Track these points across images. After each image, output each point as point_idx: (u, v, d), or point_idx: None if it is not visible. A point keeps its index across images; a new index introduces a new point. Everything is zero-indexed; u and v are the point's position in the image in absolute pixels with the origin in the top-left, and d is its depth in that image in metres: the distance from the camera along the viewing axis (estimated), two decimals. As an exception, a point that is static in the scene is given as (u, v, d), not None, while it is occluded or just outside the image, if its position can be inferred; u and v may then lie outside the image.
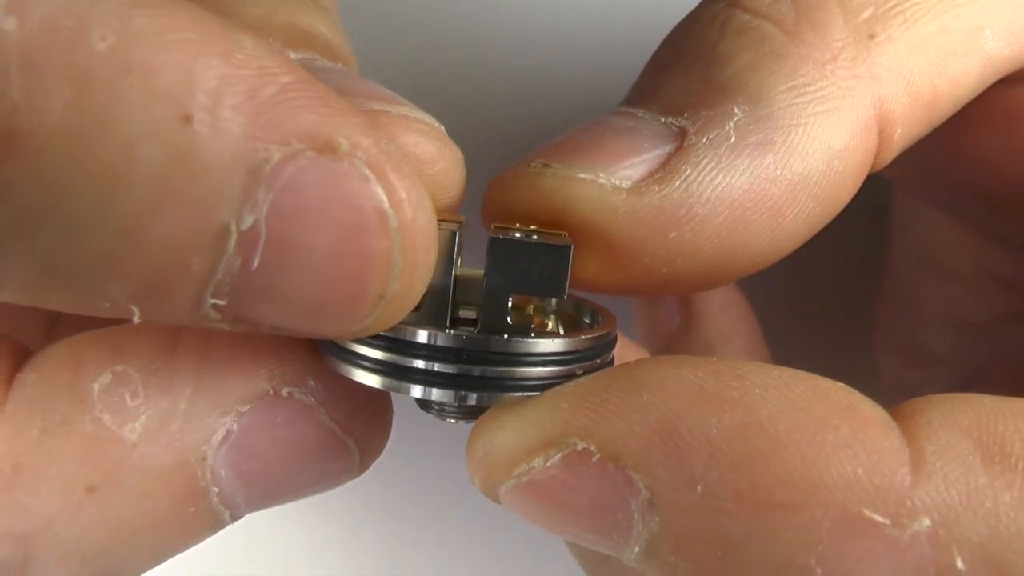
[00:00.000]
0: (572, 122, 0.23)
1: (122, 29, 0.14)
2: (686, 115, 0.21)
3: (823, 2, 0.22)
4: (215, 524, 0.20)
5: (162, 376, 0.19)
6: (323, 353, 0.20)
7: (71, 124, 0.14)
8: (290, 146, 0.15)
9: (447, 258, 0.20)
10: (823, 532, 0.17)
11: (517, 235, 0.20)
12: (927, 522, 0.17)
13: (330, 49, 0.22)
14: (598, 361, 0.20)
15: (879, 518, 0.17)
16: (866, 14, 0.22)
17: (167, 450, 0.19)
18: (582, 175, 0.21)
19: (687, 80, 0.22)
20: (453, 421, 0.22)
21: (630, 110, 0.22)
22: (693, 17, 0.23)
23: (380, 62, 0.31)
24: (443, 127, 0.21)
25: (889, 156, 0.23)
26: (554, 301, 0.22)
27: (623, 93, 0.24)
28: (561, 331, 0.22)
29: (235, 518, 0.21)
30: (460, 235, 0.20)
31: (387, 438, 0.22)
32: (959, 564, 0.17)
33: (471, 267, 0.22)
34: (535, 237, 0.20)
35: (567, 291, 0.20)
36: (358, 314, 0.17)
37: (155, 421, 0.19)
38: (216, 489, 0.20)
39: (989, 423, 0.18)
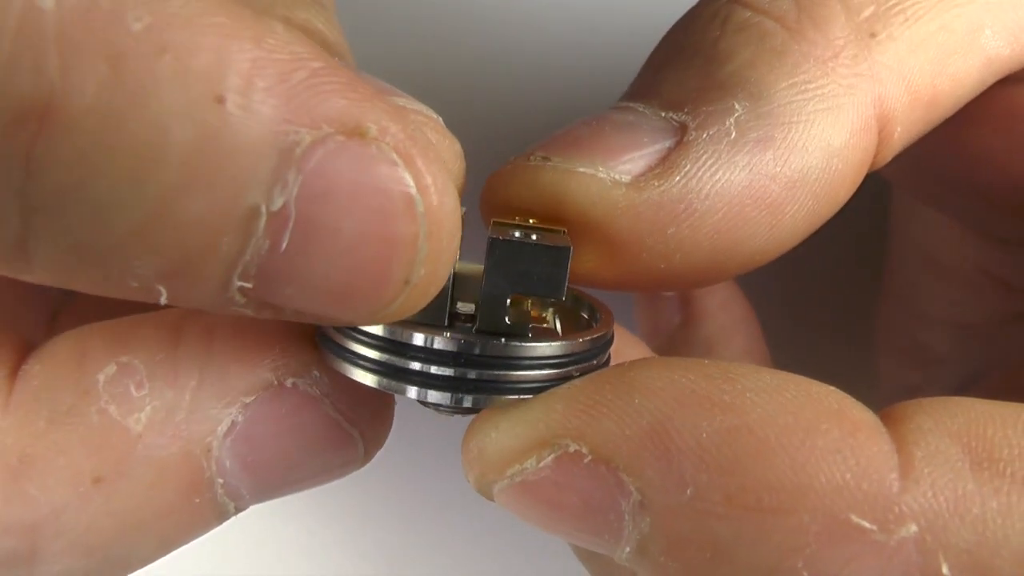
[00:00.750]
0: (571, 116, 0.23)
1: (158, 10, 0.15)
2: (686, 110, 0.21)
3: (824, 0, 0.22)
4: (220, 515, 0.20)
5: (167, 368, 0.19)
6: (321, 349, 0.20)
7: (106, 102, 0.14)
8: (320, 130, 0.16)
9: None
10: (811, 536, 0.17)
11: (517, 234, 0.20)
12: (914, 528, 0.17)
13: (327, 43, 0.22)
14: (594, 362, 0.21)
15: (866, 523, 0.17)
16: (867, 12, 0.22)
17: (173, 441, 0.19)
18: (582, 169, 0.21)
19: (687, 76, 0.22)
20: (450, 415, 0.22)
21: (630, 105, 0.22)
22: (694, 13, 0.23)
23: (377, 56, 0.31)
24: (441, 119, 0.21)
25: (889, 154, 0.23)
26: None
27: (623, 88, 0.24)
28: (559, 326, 0.22)
29: (240, 509, 0.21)
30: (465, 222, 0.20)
31: (390, 428, 0.22)
32: (945, 570, 0.17)
33: (469, 260, 0.22)
34: (534, 237, 0.20)
35: (565, 292, 0.20)
36: (383, 299, 0.17)
37: (160, 412, 0.19)
38: (221, 480, 0.20)
39: (979, 428, 0.18)
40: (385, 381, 0.20)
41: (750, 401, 0.18)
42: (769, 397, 0.18)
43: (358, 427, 0.21)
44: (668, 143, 0.21)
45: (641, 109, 0.22)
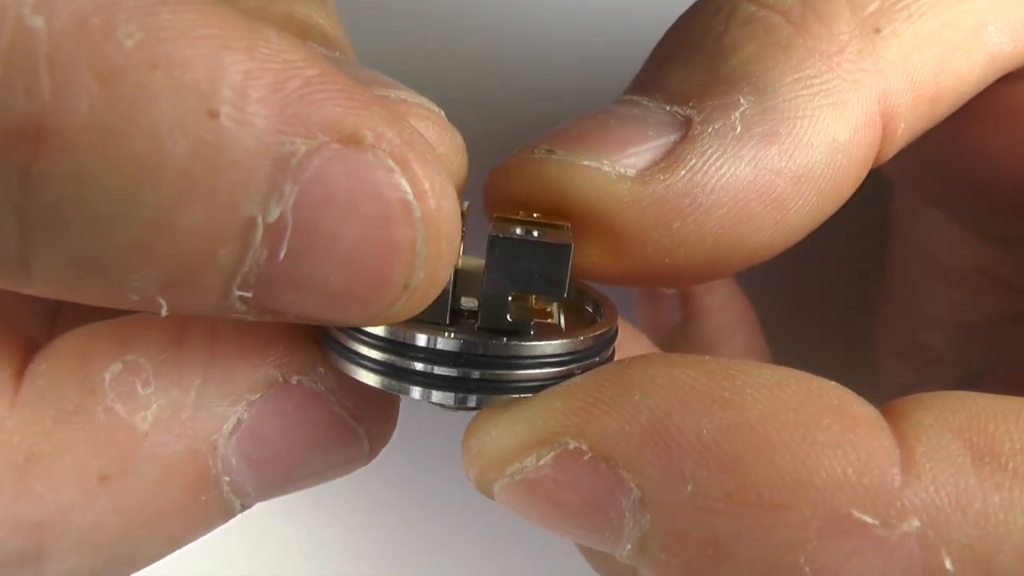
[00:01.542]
0: (575, 110, 0.23)
1: (148, 25, 0.15)
2: (691, 104, 0.21)
3: None
4: (226, 513, 0.20)
5: (172, 366, 0.19)
6: (325, 349, 0.20)
7: (99, 119, 0.14)
8: (316, 139, 0.16)
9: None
10: (812, 532, 0.17)
11: (518, 231, 0.20)
12: (916, 523, 0.17)
13: (327, 39, 0.22)
14: (597, 359, 0.20)
15: (868, 518, 0.17)
16: (872, 7, 0.22)
17: (179, 439, 0.19)
18: (586, 162, 0.21)
19: (692, 69, 0.22)
20: (454, 411, 0.22)
21: (635, 98, 0.22)
22: (698, 7, 0.23)
23: (379, 51, 0.31)
24: (443, 112, 0.21)
25: (892, 151, 0.23)
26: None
27: (626, 81, 0.24)
28: (562, 321, 0.22)
29: (245, 507, 0.21)
30: (461, 226, 0.20)
31: (395, 425, 0.22)
32: (948, 565, 0.17)
33: (472, 255, 0.22)
34: (536, 233, 0.20)
35: (566, 290, 0.20)
36: (383, 303, 0.17)
37: (166, 410, 0.19)
38: (227, 478, 0.20)
39: (980, 423, 0.18)
40: (388, 382, 0.20)
41: (750, 397, 0.18)
42: (770, 393, 0.18)
43: (363, 424, 0.21)
44: (673, 137, 0.21)
45: (646, 103, 0.22)
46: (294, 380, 0.20)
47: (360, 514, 0.36)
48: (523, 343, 0.19)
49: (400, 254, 0.17)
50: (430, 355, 0.19)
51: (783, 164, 0.21)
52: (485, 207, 0.23)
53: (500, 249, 0.20)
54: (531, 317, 0.20)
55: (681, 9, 0.24)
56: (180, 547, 0.21)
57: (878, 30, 0.21)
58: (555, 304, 0.22)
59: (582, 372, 0.20)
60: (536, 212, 0.21)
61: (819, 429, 0.17)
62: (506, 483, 0.19)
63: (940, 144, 0.26)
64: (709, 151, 0.20)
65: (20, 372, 0.19)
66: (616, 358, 0.21)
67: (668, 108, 0.21)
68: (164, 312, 0.16)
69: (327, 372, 0.20)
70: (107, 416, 0.19)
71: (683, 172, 0.20)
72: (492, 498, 0.20)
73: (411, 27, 0.34)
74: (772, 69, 0.21)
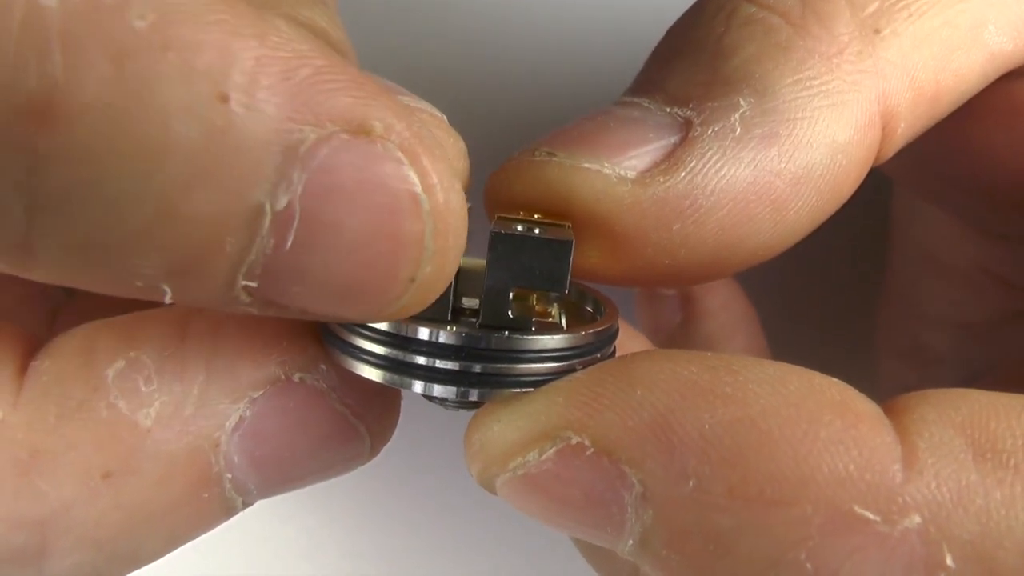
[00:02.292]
0: (574, 112, 0.23)
1: (161, 7, 0.15)
2: (691, 106, 0.21)
3: None
4: (228, 510, 0.20)
5: (174, 363, 0.19)
6: (326, 345, 0.20)
7: (109, 99, 0.14)
8: (325, 128, 0.16)
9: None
10: (813, 528, 0.17)
11: (519, 228, 0.20)
12: (918, 519, 0.17)
13: (331, 42, 0.22)
14: (598, 355, 0.21)
15: (869, 515, 0.17)
16: (871, 8, 0.22)
17: (181, 436, 0.19)
18: (587, 165, 0.21)
19: (692, 70, 0.22)
20: (455, 408, 0.22)
21: (635, 100, 0.22)
22: (698, 7, 0.23)
23: (380, 55, 0.31)
24: (445, 117, 0.21)
25: (891, 150, 0.23)
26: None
27: (626, 82, 0.24)
28: (563, 321, 0.22)
29: (247, 504, 0.21)
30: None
31: (396, 422, 0.22)
32: (949, 561, 0.17)
33: (473, 256, 0.21)
34: (537, 231, 0.20)
35: (568, 286, 0.20)
36: (389, 297, 0.17)
37: (169, 407, 0.19)
38: (229, 475, 0.20)
39: (982, 419, 0.18)
40: (390, 376, 0.20)
41: (752, 393, 0.18)
42: (772, 389, 0.18)
43: (364, 421, 0.21)
44: (673, 139, 0.21)
45: (646, 104, 0.22)
46: (296, 377, 0.20)
47: (360, 514, 0.36)
48: (525, 337, 0.19)
49: (407, 247, 0.16)
50: (432, 349, 0.19)
51: (783, 165, 0.21)
52: (486, 209, 0.23)
53: (502, 245, 0.20)
54: (531, 315, 0.20)
55: (680, 9, 0.24)
56: (181, 544, 0.21)
57: (877, 31, 0.21)
58: (555, 304, 0.22)
59: (583, 368, 0.20)
60: (537, 214, 0.21)
61: (821, 425, 0.17)
62: (508, 478, 0.19)
63: (941, 142, 0.26)
64: (709, 153, 0.20)
65: (23, 369, 0.19)
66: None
67: (668, 110, 0.21)
68: (168, 299, 0.16)
69: (329, 370, 0.20)
70: (110, 412, 0.19)
71: (683, 174, 0.20)
72: (494, 493, 0.20)
73: (411, 31, 0.34)
74: (772, 71, 0.21)
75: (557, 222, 0.21)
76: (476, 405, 0.21)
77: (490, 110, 0.33)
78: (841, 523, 0.17)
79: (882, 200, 0.34)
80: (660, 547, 0.18)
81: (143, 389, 0.19)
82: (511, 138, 0.24)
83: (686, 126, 0.21)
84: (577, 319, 0.23)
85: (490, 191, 0.22)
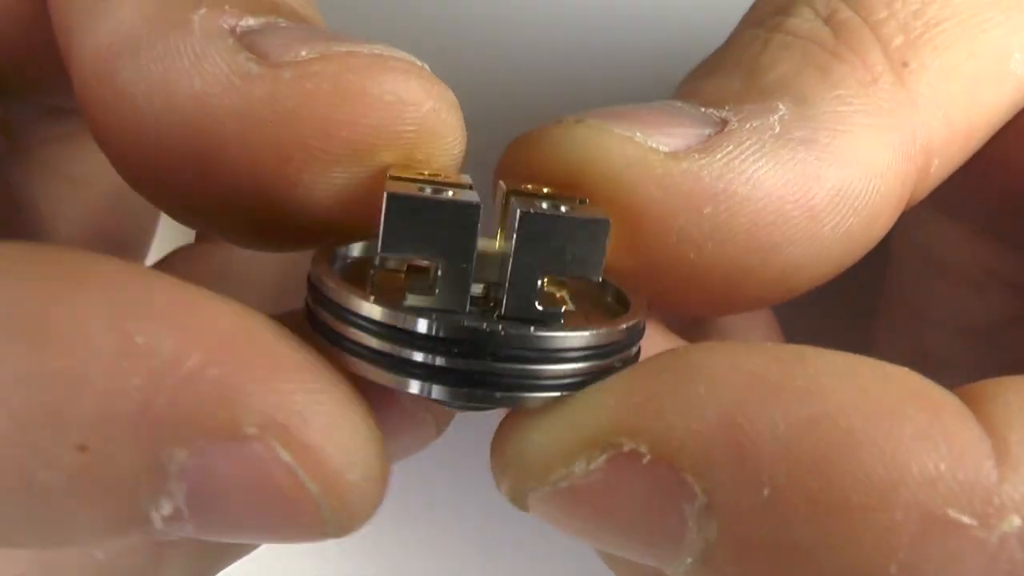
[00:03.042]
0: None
1: None
2: (727, 108, 0.20)
3: (858, 28, 0.21)
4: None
5: None
6: (314, 333, 0.18)
7: None
8: (192, 444, 0.15)
9: (467, 236, 0.18)
10: (905, 537, 0.15)
11: (544, 206, 0.18)
12: (1018, 521, 0.15)
13: (296, 15, 0.20)
14: (633, 351, 0.19)
15: (965, 519, 0.15)
16: (898, 41, 0.21)
17: None
18: (618, 131, 0.20)
19: (729, 80, 0.21)
20: (461, 409, 0.19)
21: (669, 101, 0.21)
22: (732, 38, 0.23)
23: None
24: (427, 65, 0.19)
25: (926, 189, 0.22)
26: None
27: (652, 85, 0.23)
28: (572, 307, 0.20)
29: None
30: (480, 208, 0.18)
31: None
32: None
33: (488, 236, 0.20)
34: (563, 208, 0.18)
35: (602, 272, 0.18)
36: (306, 537, 0.17)
37: None
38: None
39: None
40: (389, 375, 0.17)
41: (827, 386, 0.16)
42: (847, 381, 0.16)
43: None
44: (709, 131, 0.20)
45: (679, 104, 0.21)
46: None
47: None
48: (559, 334, 0.17)
49: (303, 522, 0.16)
50: (438, 344, 0.17)
51: (822, 172, 0.20)
52: (499, 175, 0.21)
53: (530, 226, 0.18)
54: (559, 306, 0.18)
55: (690, 11, 0.24)
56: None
57: (905, 64, 0.21)
58: (566, 292, 0.20)
59: (623, 366, 0.18)
60: (548, 187, 0.20)
61: (905, 419, 0.16)
62: (547, 492, 0.17)
63: None
64: (747, 143, 0.19)
65: None
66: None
67: (704, 110, 0.20)
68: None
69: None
70: None
71: (719, 155, 0.19)
72: (525, 509, 0.18)
73: (416, 32, 0.33)
74: (811, 84, 0.20)
75: (570, 196, 0.19)
76: (490, 406, 0.18)
77: (498, 100, 0.32)
78: (935, 529, 0.15)
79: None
80: (725, 564, 0.16)
81: None
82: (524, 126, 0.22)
83: (722, 123, 0.20)
84: (589, 307, 0.21)
85: (507, 158, 0.21)
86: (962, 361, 0.31)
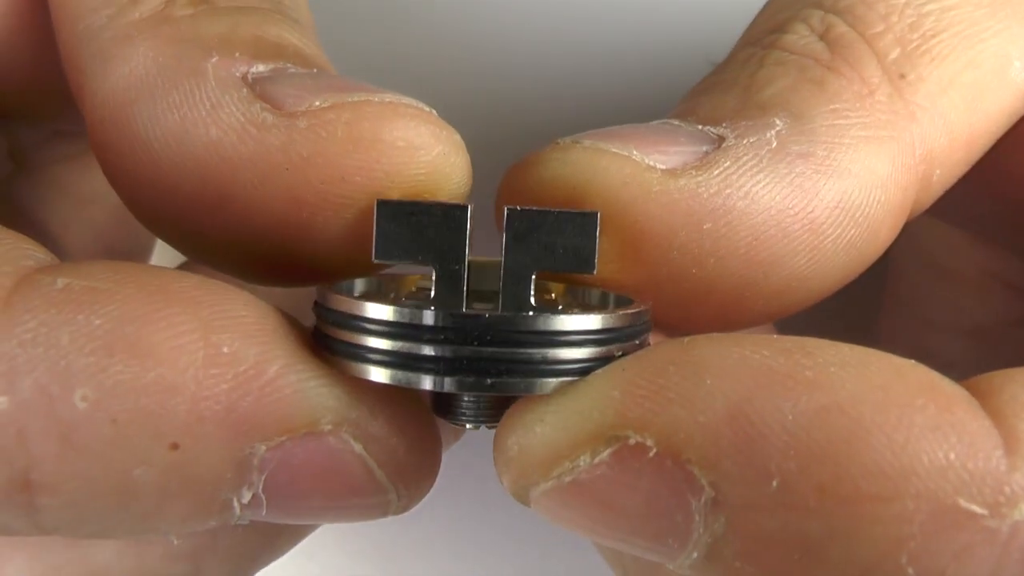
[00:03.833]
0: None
1: (101, 384, 0.16)
2: (724, 125, 0.20)
3: (854, 43, 0.21)
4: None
5: None
6: (319, 347, 0.18)
7: (66, 472, 0.17)
8: (274, 440, 0.17)
9: (457, 237, 0.18)
10: (916, 527, 0.15)
11: (535, 207, 0.18)
12: None
13: (303, 57, 0.21)
14: (637, 342, 0.18)
15: (976, 508, 0.15)
16: (894, 54, 0.21)
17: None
18: (615, 150, 0.20)
19: (725, 97, 0.21)
20: (470, 426, 0.19)
21: (666, 120, 0.21)
22: (729, 58, 0.23)
23: (382, 63, 0.31)
24: (434, 111, 0.20)
25: (929, 199, 0.22)
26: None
27: (653, 100, 0.23)
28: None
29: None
30: (471, 215, 0.18)
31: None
32: None
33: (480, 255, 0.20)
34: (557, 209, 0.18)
35: (596, 265, 0.18)
36: (371, 516, 0.19)
37: None
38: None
39: None
40: (398, 373, 0.17)
41: (836, 377, 0.16)
42: (856, 372, 0.16)
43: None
44: (706, 147, 0.20)
45: (677, 123, 0.21)
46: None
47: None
48: (561, 316, 0.17)
49: (372, 506, 0.19)
50: (447, 334, 0.17)
51: (821, 185, 0.20)
52: (498, 208, 0.21)
53: (518, 223, 0.18)
54: (555, 304, 0.18)
55: (697, 22, 0.24)
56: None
57: (903, 75, 0.21)
58: (562, 293, 0.20)
59: (623, 355, 0.18)
60: (552, 206, 0.19)
61: (915, 410, 0.15)
62: (551, 486, 0.17)
63: None
64: (745, 158, 0.19)
65: None
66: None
67: (701, 128, 0.20)
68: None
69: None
70: None
71: (717, 172, 0.19)
72: (527, 504, 0.18)
73: (417, 42, 0.33)
74: (807, 99, 0.20)
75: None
76: (499, 409, 0.18)
77: (500, 115, 0.32)
78: (946, 519, 0.15)
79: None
80: (732, 559, 0.16)
81: None
82: (523, 147, 0.22)
83: (719, 140, 0.20)
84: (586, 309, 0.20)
85: (506, 184, 0.21)
86: (965, 363, 0.31)
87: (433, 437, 0.20)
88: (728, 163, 0.19)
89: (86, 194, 0.31)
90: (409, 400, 0.19)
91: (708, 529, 0.16)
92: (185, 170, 0.19)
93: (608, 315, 0.18)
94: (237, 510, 0.18)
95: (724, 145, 0.20)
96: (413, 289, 0.21)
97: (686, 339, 0.17)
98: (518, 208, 0.18)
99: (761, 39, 0.22)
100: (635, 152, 0.19)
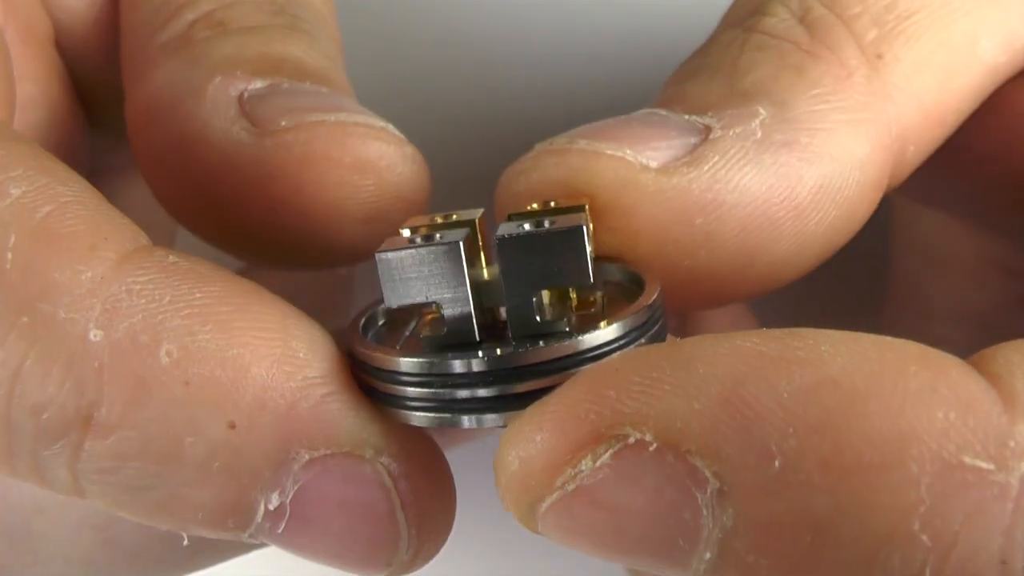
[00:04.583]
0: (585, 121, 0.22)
1: (186, 345, 0.17)
2: (710, 114, 0.21)
3: (832, 26, 0.22)
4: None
5: None
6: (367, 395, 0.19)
7: (131, 420, 0.17)
8: (318, 450, 0.18)
9: (455, 272, 0.19)
10: (923, 490, 0.15)
11: (526, 227, 0.19)
12: None
13: (303, 71, 0.23)
14: (643, 341, 0.19)
15: (982, 463, 0.15)
16: (871, 36, 0.22)
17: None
18: (609, 151, 0.20)
19: (710, 85, 0.22)
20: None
21: (653, 110, 0.22)
22: (711, 40, 0.24)
23: (387, 71, 0.32)
24: (391, 125, 0.22)
25: (903, 174, 0.23)
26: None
27: (637, 98, 0.24)
28: (603, 306, 0.21)
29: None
30: (466, 244, 0.19)
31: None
32: None
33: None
34: (547, 223, 0.19)
35: (591, 275, 0.18)
36: (372, 569, 0.19)
37: None
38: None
39: None
40: (431, 416, 0.19)
41: (827, 354, 0.16)
42: (847, 348, 0.16)
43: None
44: (694, 139, 0.21)
45: (664, 113, 0.22)
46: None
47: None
48: (562, 342, 0.18)
49: (382, 548, 0.19)
50: (464, 380, 0.18)
51: (804, 171, 0.20)
52: (498, 208, 0.22)
53: (509, 250, 0.18)
54: (564, 314, 0.19)
55: (689, 18, 0.25)
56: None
57: (880, 56, 0.22)
58: (600, 293, 0.21)
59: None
60: (552, 201, 0.20)
61: (908, 376, 0.15)
62: (556, 498, 0.16)
63: (940, 151, 0.26)
64: (732, 151, 0.20)
65: None
66: None
67: (687, 117, 0.21)
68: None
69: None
70: None
71: (706, 167, 0.20)
72: (535, 530, 0.17)
73: (420, 47, 0.34)
74: (789, 86, 0.21)
75: (573, 204, 0.20)
76: None
77: (498, 116, 0.33)
78: (953, 478, 0.15)
79: (882, 198, 0.34)
80: (745, 553, 0.16)
81: None
82: (516, 146, 0.23)
83: (706, 131, 0.21)
84: (624, 297, 0.21)
85: (503, 186, 0.22)
86: (968, 349, 0.31)
87: (451, 498, 0.20)
88: (717, 157, 0.20)
89: (128, 200, 0.33)
90: (437, 458, 0.20)
91: (717, 523, 0.16)
92: (188, 178, 0.22)
93: (619, 323, 0.18)
94: (259, 516, 0.18)
95: (711, 137, 0.20)
96: (427, 319, 0.21)
97: (676, 340, 0.17)
98: (506, 235, 0.18)
99: (743, 20, 0.23)
100: (628, 152, 0.20)
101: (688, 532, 0.16)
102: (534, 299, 0.18)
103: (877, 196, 0.22)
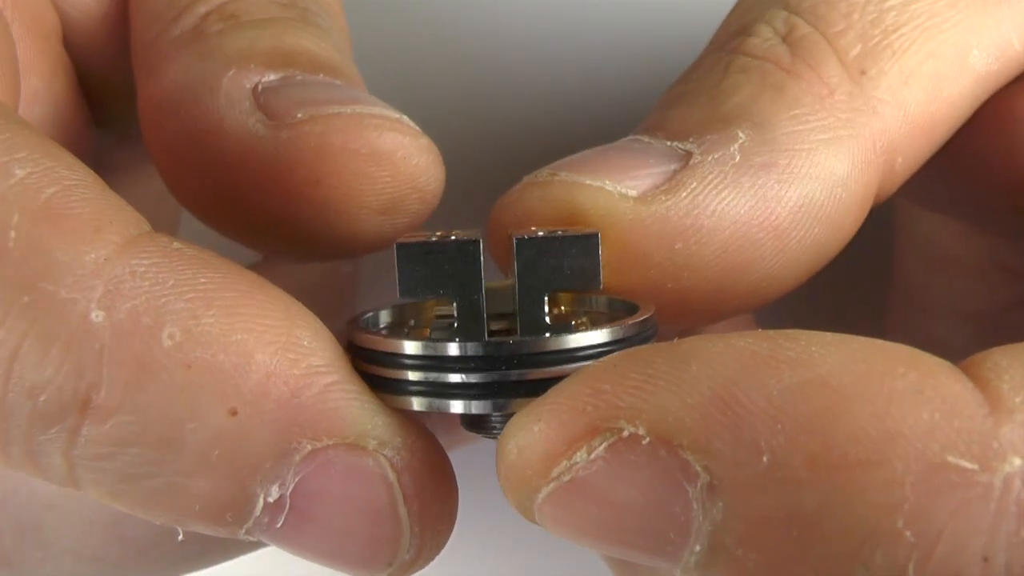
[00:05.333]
0: (577, 146, 0.23)
1: (189, 329, 0.17)
2: (691, 139, 0.22)
3: (815, 43, 0.22)
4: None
5: None
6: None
7: (131, 404, 0.17)
8: (321, 441, 0.18)
9: (472, 269, 0.19)
10: (907, 488, 0.15)
11: (541, 232, 0.20)
12: (1019, 462, 0.15)
13: (315, 63, 0.23)
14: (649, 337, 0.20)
15: (965, 463, 0.15)
16: (855, 51, 0.22)
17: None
18: (589, 182, 0.21)
19: (692, 110, 0.22)
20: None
21: (636, 137, 0.23)
22: (696, 63, 0.24)
23: (391, 76, 0.32)
24: (405, 116, 0.22)
25: (894, 185, 0.23)
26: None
27: (630, 115, 0.24)
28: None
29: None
30: (482, 245, 0.20)
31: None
32: None
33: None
34: (559, 232, 0.20)
35: (602, 281, 0.19)
36: (371, 569, 0.19)
37: None
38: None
39: None
40: (430, 400, 0.19)
41: (817, 355, 0.16)
42: (836, 349, 0.16)
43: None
44: (674, 166, 0.21)
45: (646, 140, 0.22)
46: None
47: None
48: (579, 333, 0.19)
49: (384, 545, 0.19)
50: (467, 363, 0.19)
51: (783, 192, 0.21)
52: (491, 239, 0.22)
53: (526, 250, 0.19)
54: (567, 316, 0.20)
55: (681, 36, 0.25)
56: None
57: (863, 72, 0.22)
58: (585, 317, 0.22)
59: None
60: (559, 230, 0.21)
61: (896, 377, 0.16)
62: (552, 489, 0.17)
63: (937, 157, 0.26)
64: (710, 177, 0.21)
65: None
66: None
67: (669, 144, 0.22)
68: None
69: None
70: None
71: (684, 194, 0.21)
72: (533, 517, 0.18)
73: (424, 54, 0.34)
74: (768, 107, 0.22)
75: (582, 229, 0.21)
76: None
77: (495, 137, 0.34)
78: (937, 477, 0.15)
79: (883, 201, 0.34)
80: (735, 547, 0.16)
81: None
82: (515, 164, 0.24)
83: (686, 157, 0.21)
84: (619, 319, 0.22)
85: (495, 217, 0.22)
86: (969, 349, 0.31)
87: (454, 497, 0.20)
88: (695, 184, 0.21)
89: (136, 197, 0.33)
90: (440, 455, 0.20)
91: (707, 517, 0.16)
92: (204, 171, 0.22)
93: (617, 327, 0.19)
94: (258, 509, 0.18)
95: (691, 163, 0.21)
96: (433, 317, 0.22)
97: (674, 340, 0.18)
98: (525, 236, 0.19)
99: (727, 43, 0.24)
100: (607, 182, 0.21)
101: (679, 525, 0.16)
102: (545, 298, 0.19)
103: (864, 210, 0.22)
